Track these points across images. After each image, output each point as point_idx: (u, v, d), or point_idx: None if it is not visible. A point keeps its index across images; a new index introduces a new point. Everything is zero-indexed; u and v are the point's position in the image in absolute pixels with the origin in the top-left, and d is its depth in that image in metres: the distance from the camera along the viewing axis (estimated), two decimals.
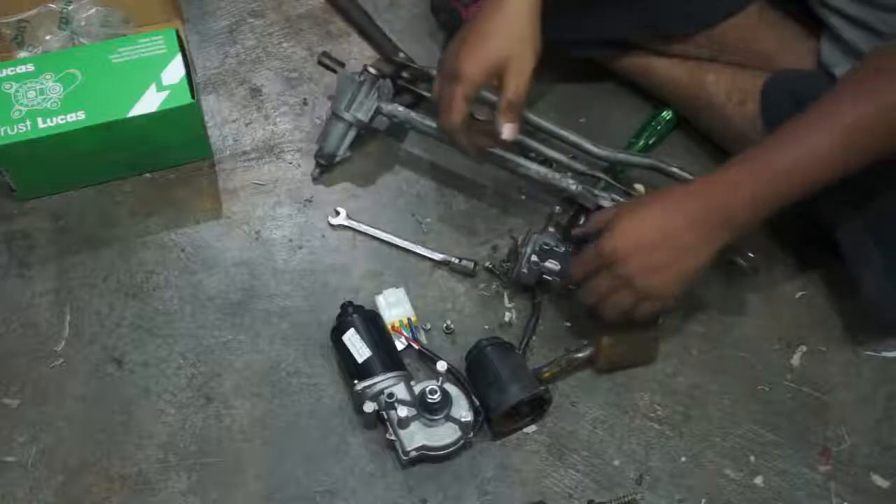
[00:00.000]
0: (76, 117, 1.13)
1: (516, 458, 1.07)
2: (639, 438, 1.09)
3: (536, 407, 1.08)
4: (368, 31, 1.38)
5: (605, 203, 1.14)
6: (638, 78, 1.30)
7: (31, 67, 1.16)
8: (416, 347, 1.11)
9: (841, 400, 1.12)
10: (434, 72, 1.17)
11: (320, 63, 1.26)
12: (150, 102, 1.14)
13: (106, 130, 1.14)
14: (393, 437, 1.04)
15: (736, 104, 1.19)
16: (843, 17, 1.11)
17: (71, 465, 1.05)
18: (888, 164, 0.96)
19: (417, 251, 1.20)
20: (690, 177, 1.15)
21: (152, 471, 1.05)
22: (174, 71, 1.16)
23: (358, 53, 1.37)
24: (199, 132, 1.23)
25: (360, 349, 1.05)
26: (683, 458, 1.08)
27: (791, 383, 1.13)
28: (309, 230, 1.22)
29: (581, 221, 1.14)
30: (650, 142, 1.28)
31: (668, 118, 1.29)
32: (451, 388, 1.05)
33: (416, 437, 1.03)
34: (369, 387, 1.04)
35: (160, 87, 1.15)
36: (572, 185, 1.16)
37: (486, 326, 1.15)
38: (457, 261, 1.18)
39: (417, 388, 1.04)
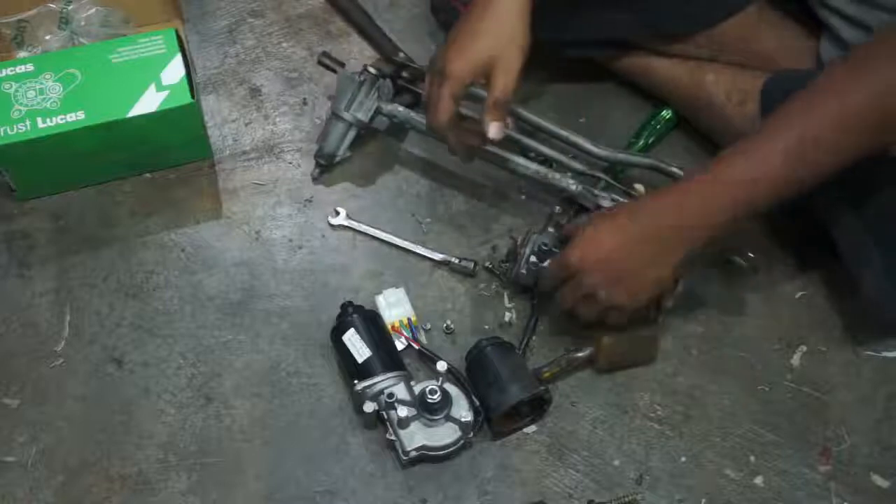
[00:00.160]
0: (76, 117, 1.13)
1: (516, 458, 1.07)
2: (639, 438, 1.09)
3: (536, 407, 1.08)
4: (368, 31, 1.38)
5: (605, 203, 1.14)
6: (638, 78, 1.30)
7: (30, 67, 1.16)
8: (416, 347, 1.11)
9: (841, 400, 1.12)
10: None
11: (320, 63, 1.26)
12: (149, 102, 1.14)
13: (106, 130, 1.14)
14: (393, 437, 1.04)
15: (736, 104, 1.19)
16: (842, 17, 1.11)
17: (71, 465, 1.05)
18: (886, 162, 0.96)
19: (417, 251, 1.20)
20: None
21: (152, 471, 1.05)
22: (174, 71, 1.16)
23: (358, 53, 1.37)
24: (199, 132, 1.23)
25: (360, 349, 1.05)
26: (683, 458, 1.08)
27: (791, 383, 1.13)
28: (309, 230, 1.22)
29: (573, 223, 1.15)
30: (650, 141, 1.28)
31: (667, 118, 1.29)
32: (451, 388, 1.05)
33: (416, 437, 1.03)
34: (369, 387, 1.04)
35: (160, 87, 1.15)
36: (572, 185, 1.16)
37: (486, 326, 1.15)
38: (457, 261, 1.18)
39: (417, 388, 1.04)
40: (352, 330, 1.07)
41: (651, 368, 1.13)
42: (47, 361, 1.11)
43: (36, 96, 1.14)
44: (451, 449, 1.04)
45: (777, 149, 0.94)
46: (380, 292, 1.15)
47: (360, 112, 1.21)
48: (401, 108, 1.21)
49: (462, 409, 1.04)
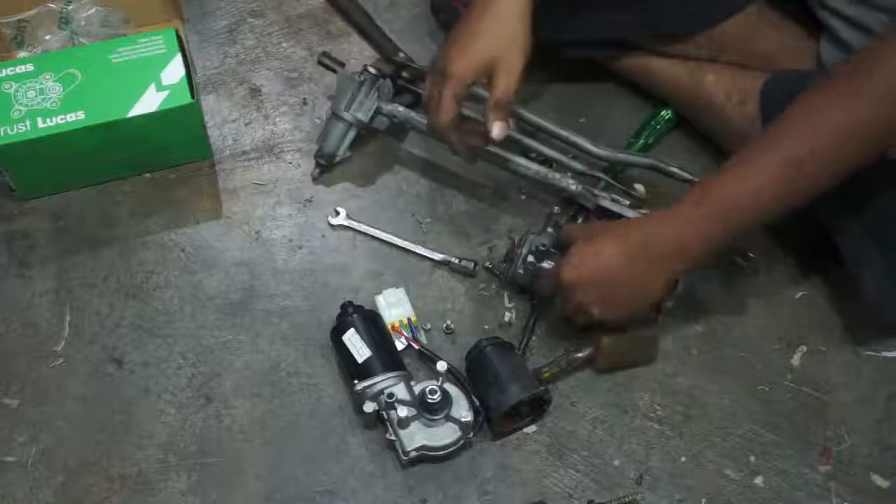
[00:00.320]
0: (76, 117, 1.13)
1: (516, 458, 1.07)
2: (639, 438, 1.09)
3: (536, 407, 1.08)
4: (368, 31, 1.38)
5: (606, 203, 1.14)
6: (638, 78, 1.30)
7: (30, 67, 1.16)
8: (416, 347, 1.11)
9: (841, 400, 1.12)
10: None
11: (320, 63, 1.26)
12: (149, 102, 1.14)
13: (106, 130, 1.14)
14: (393, 437, 1.04)
15: (735, 104, 1.19)
16: (842, 18, 1.11)
17: (71, 465, 1.05)
18: (885, 164, 0.96)
19: (417, 251, 1.20)
20: (690, 176, 1.15)
21: (152, 471, 1.05)
22: (174, 71, 1.16)
23: (358, 53, 1.37)
24: (199, 132, 1.23)
25: (360, 349, 1.05)
26: (683, 458, 1.08)
27: (791, 383, 1.13)
28: (309, 230, 1.22)
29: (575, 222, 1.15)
30: (649, 141, 1.28)
31: (667, 117, 1.29)
32: (451, 388, 1.05)
33: (416, 437, 1.03)
34: (369, 387, 1.04)
35: (160, 87, 1.15)
36: (572, 185, 1.16)
37: (486, 326, 1.15)
38: (457, 261, 1.18)
39: (417, 388, 1.04)
40: (352, 330, 1.07)
41: (651, 368, 1.13)
42: (47, 361, 1.11)
43: (36, 96, 1.14)
44: (451, 449, 1.04)
45: (775, 164, 0.94)
46: (380, 292, 1.15)
47: (360, 112, 1.21)
48: (401, 108, 1.21)
49: (462, 409, 1.04)
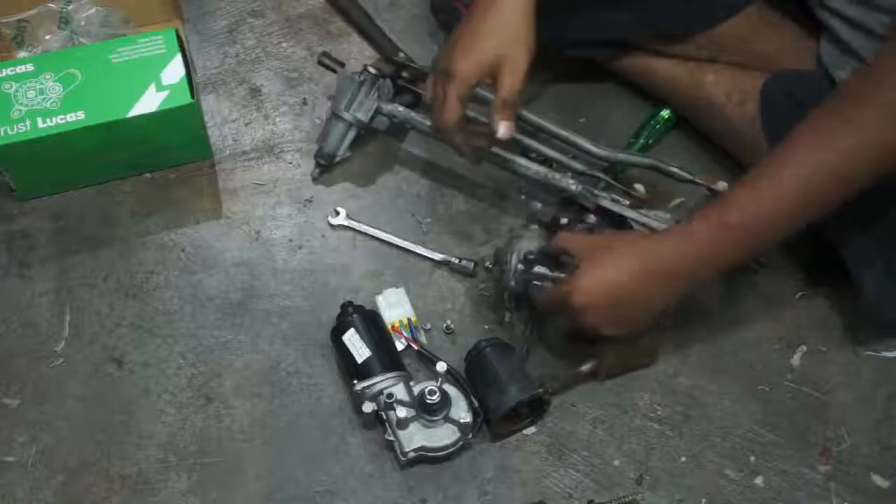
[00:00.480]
0: (76, 117, 1.13)
1: (516, 459, 1.07)
2: (639, 438, 1.09)
3: (536, 408, 1.08)
4: (368, 31, 1.38)
5: (606, 203, 1.14)
6: (638, 78, 1.30)
7: (30, 67, 1.16)
8: (416, 348, 1.11)
9: (841, 400, 1.12)
10: None
11: (320, 63, 1.26)
12: (149, 102, 1.14)
13: (106, 130, 1.14)
14: (392, 438, 1.04)
15: (735, 104, 1.19)
16: (842, 18, 1.11)
17: (71, 465, 1.05)
18: None
19: (417, 251, 1.20)
20: (690, 176, 1.15)
21: (152, 471, 1.05)
22: (174, 71, 1.16)
23: (358, 53, 1.37)
24: (199, 132, 1.23)
25: (359, 349, 1.05)
26: (683, 458, 1.08)
27: (791, 383, 1.13)
28: (309, 230, 1.22)
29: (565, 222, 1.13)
30: (649, 141, 1.28)
31: (666, 117, 1.29)
32: (451, 390, 1.05)
33: (415, 437, 1.03)
34: (368, 387, 1.04)
35: (160, 87, 1.15)
36: (572, 185, 1.16)
37: (486, 326, 1.15)
38: (457, 261, 1.18)
39: (416, 389, 1.04)
40: (352, 330, 1.07)
41: (651, 369, 1.13)
42: (47, 361, 1.11)
43: (36, 96, 1.14)
44: (449, 450, 1.04)
45: (787, 184, 0.92)
46: (380, 292, 1.15)
47: (360, 112, 1.21)
48: (401, 108, 1.21)
49: (461, 411, 1.04)
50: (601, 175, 1.19)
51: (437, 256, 1.19)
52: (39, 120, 1.12)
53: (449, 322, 1.14)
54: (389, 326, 1.11)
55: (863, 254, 1.07)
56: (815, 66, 1.16)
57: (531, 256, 1.07)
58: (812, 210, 0.94)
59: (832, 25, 1.13)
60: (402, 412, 1.01)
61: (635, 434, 1.09)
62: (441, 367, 1.03)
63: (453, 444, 1.04)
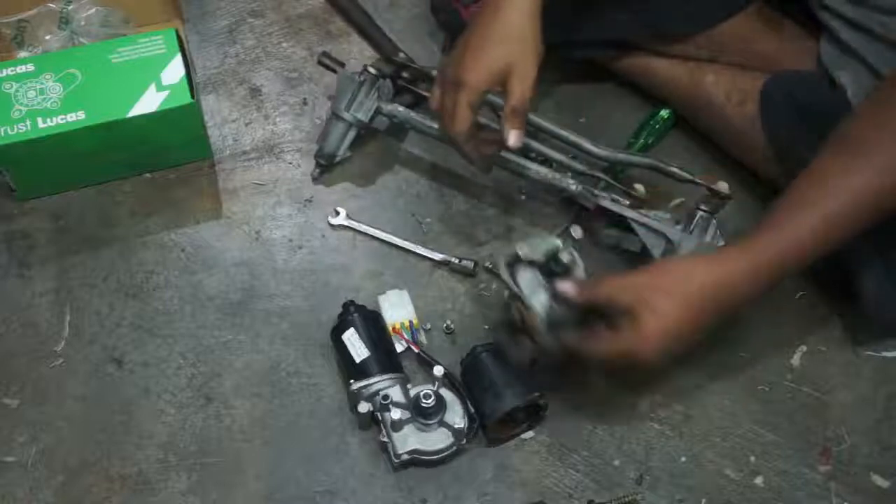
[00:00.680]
0: (76, 117, 1.13)
1: (516, 459, 1.07)
2: (639, 438, 1.09)
3: (532, 413, 1.07)
4: (368, 31, 1.38)
5: (606, 203, 1.14)
6: (638, 78, 1.30)
7: (31, 67, 1.16)
8: (416, 350, 1.11)
9: (841, 400, 1.12)
10: (434, 72, 1.17)
11: (320, 63, 1.26)
12: (149, 102, 1.14)
13: (106, 130, 1.14)
14: (385, 439, 1.03)
15: (735, 105, 1.19)
16: (841, 19, 1.11)
17: (71, 465, 1.05)
18: None
19: (417, 251, 1.20)
20: (690, 176, 1.14)
21: (152, 471, 1.05)
22: (174, 71, 1.16)
23: (358, 53, 1.37)
24: (199, 132, 1.23)
25: (358, 349, 1.05)
26: (683, 458, 1.08)
27: (791, 383, 1.13)
28: (309, 230, 1.22)
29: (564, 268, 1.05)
30: (649, 141, 1.28)
31: (665, 117, 1.29)
32: (447, 394, 1.04)
33: (409, 440, 1.03)
34: (365, 387, 1.03)
35: (160, 87, 1.15)
36: (572, 185, 1.16)
37: (487, 326, 1.15)
38: (457, 261, 1.18)
39: (413, 392, 1.04)
40: (351, 329, 1.07)
41: (651, 369, 1.13)
42: (47, 361, 1.11)
43: (36, 96, 1.14)
44: (443, 454, 1.04)
45: (817, 217, 0.93)
46: (380, 292, 1.15)
47: (360, 112, 1.21)
48: (401, 108, 1.21)
49: (456, 416, 1.04)
50: (601, 175, 1.19)
51: (438, 256, 1.19)
52: (39, 120, 1.12)
53: (449, 322, 1.14)
54: (390, 328, 1.11)
55: (863, 254, 1.07)
56: (815, 66, 1.16)
57: (555, 314, 1.01)
58: (835, 243, 0.95)
59: (832, 26, 1.13)
60: (396, 414, 1.01)
61: (635, 434, 1.09)
62: (438, 370, 1.03)
63: (447, 449, 1.04)
